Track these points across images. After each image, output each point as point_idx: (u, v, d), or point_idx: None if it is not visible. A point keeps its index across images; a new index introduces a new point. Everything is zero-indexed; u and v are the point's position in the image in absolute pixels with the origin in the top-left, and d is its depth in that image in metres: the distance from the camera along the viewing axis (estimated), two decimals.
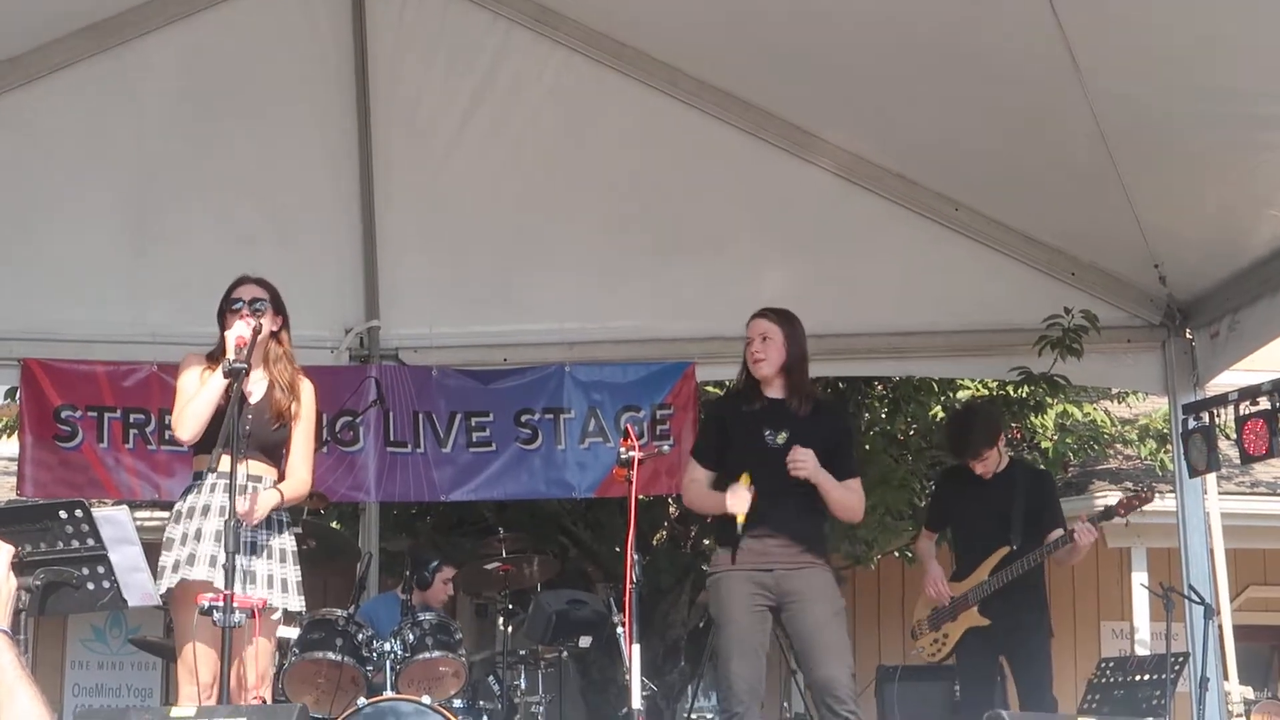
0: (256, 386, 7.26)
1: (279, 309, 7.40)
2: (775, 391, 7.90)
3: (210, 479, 7.16)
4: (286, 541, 7.33)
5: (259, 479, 7.18)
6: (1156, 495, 9.37)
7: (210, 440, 7.04)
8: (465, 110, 10.12)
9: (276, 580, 7.21)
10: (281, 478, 7.33)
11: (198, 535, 7.07)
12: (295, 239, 10.52)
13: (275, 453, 7.31)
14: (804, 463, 7.62)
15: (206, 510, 7.10)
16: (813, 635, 7.55)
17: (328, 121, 10.27)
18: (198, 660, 6.95)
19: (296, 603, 7.32)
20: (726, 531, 7.73)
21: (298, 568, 7.37)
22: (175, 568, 7.06)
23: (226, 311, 7.31)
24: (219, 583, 6.78)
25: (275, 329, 7.36)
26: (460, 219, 10.54)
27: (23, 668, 3.42)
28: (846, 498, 7.89)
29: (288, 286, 9.91)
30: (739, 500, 7.57)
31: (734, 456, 7.79)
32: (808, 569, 7.64)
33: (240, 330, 7.07)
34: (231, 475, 6.79)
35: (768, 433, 7.76)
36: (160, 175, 10.23)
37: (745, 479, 7.60)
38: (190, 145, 10.15)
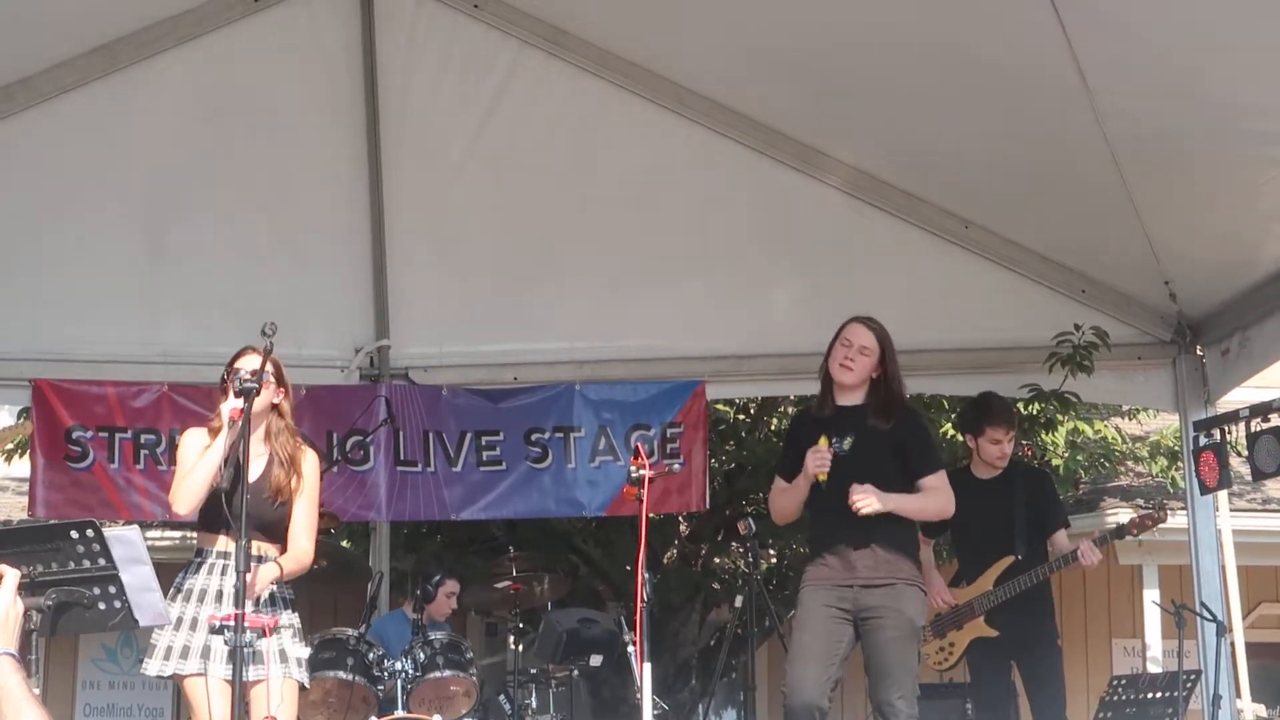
0: (256, 462, 7.19)
1: (280, 380, 7.32)
2: (850, 399, 7.78)
3: (211, 558, 7.18)
4: (291, 618, 7.32)
5: (260, 559, 7.12)
6: (1168, 516, 9.35)
7: (213, 518, 7.06)
8: (475, 130, 10.15)
9: (290, 656, 7.22)
10: (283, 554, 7.30)
11: (193, 625, 7.09)
12: (306, 259, 10.54)
13: (276, 530, 7.26)
14: (866, 501, 7.48)
15: (204, 596, 7.12)
16: (876, 655, 7.50)
17: (338, 141, 10.29)
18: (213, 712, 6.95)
19: (300, 676, 7.29)
20: (816, 527, 7.76)
21: (302, 643, 7.36)
22: (167, 655, 7.07)
23: (226, 381, 7.25)
24: (214, 672, 6.92)
25: (276, 400, 7.31)
26: (470, 238, 10.56)
27: (30, 689, 3.43)
28: (925, 505, 7.76)
29: (298, 306, 9.99)
30: (819, 458, 7.49)
31: (801, 462, 7.70)
32: (888, 586, 7.53)
33: (233, 404, 7.01)
34: (241, 516, 6.80)
35: (834, 439, 7.64)
36: (171, 196, 10.26)
37: (824, 441, 7.52)
38: (201, 166, 10.17)
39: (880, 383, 7.78)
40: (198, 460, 7.12)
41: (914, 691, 7.55)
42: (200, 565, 7.20)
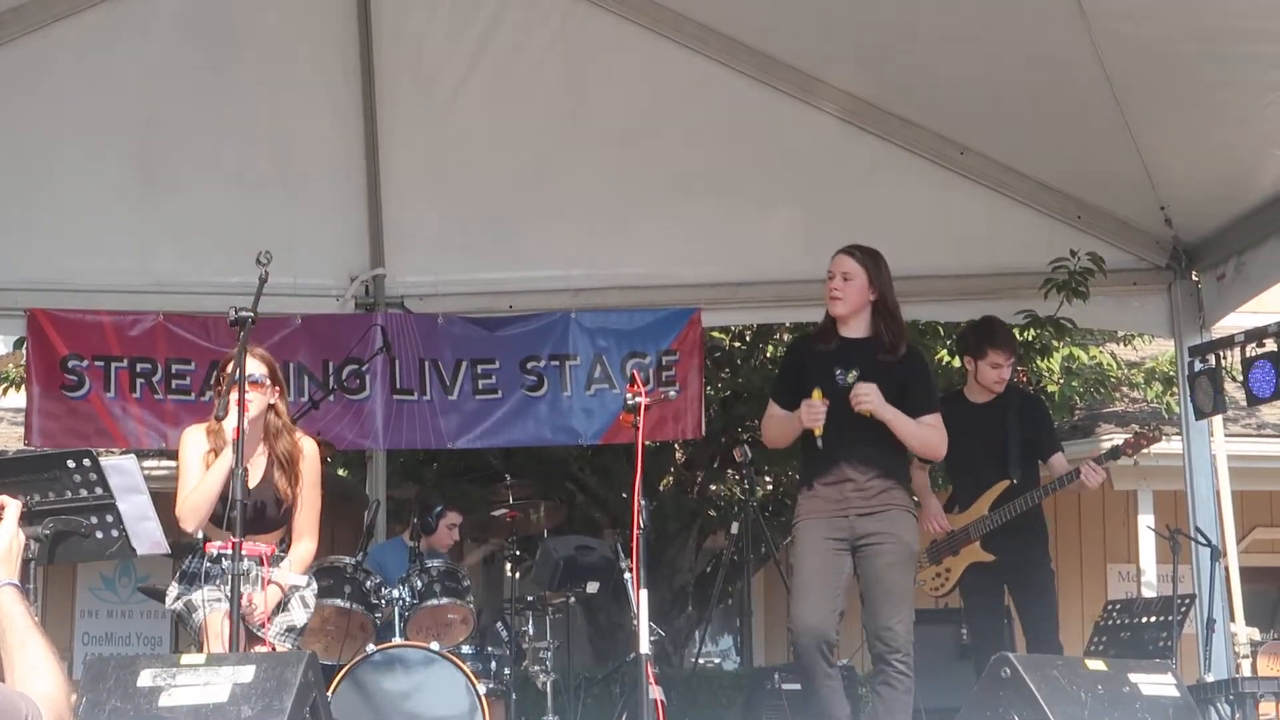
0: (256, 465, 7.17)
1: (276, 379, 7.30)
2: (853, 331, 7.70)
3: (210, 558, 7.11)
4: (299, 615, 7.39)
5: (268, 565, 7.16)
6: (1164, 437, 9.37)
7: (217, 517, 7.03)
8: (470, 56, 10.11)
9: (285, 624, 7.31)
10: (284, 542, 7.34)
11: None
12: (301, 188, 10.53)
13: (277, 525, 7.30)
14: (866, 396, 7.46)
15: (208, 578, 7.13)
16: (874, 581, 7.48)
17: (332, 69, 10.25)
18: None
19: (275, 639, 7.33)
20: (809, 468, 7.66)
21: (307, 610, 7.43)
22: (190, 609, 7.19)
23: (221, 381, 7.20)
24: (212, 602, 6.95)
25: (273, 400, 7.27)
26: (465, 166, 10.53)
27: (33, 618, 3.45)
28: (923, 433, 7.70)
29: (293, 235, 9.98)
30: (812, 413, 7.46)
31: (806, 395, 7.62)
32: (883, 512, 7.50)
33: (233, 423, 6.90)
34: (238, 445, 6.83)
35: (838, 371, 7.58)
36: (165, 124, 10.23)
37: (817, 394, 7.47)
38: (195, 94, 10.14)
39: (879, 308, 7.72)
40: (203, 477, 7.10)
41: (911, 617, 7.57)
42: (204, 557, 7.15)
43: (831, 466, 7.54)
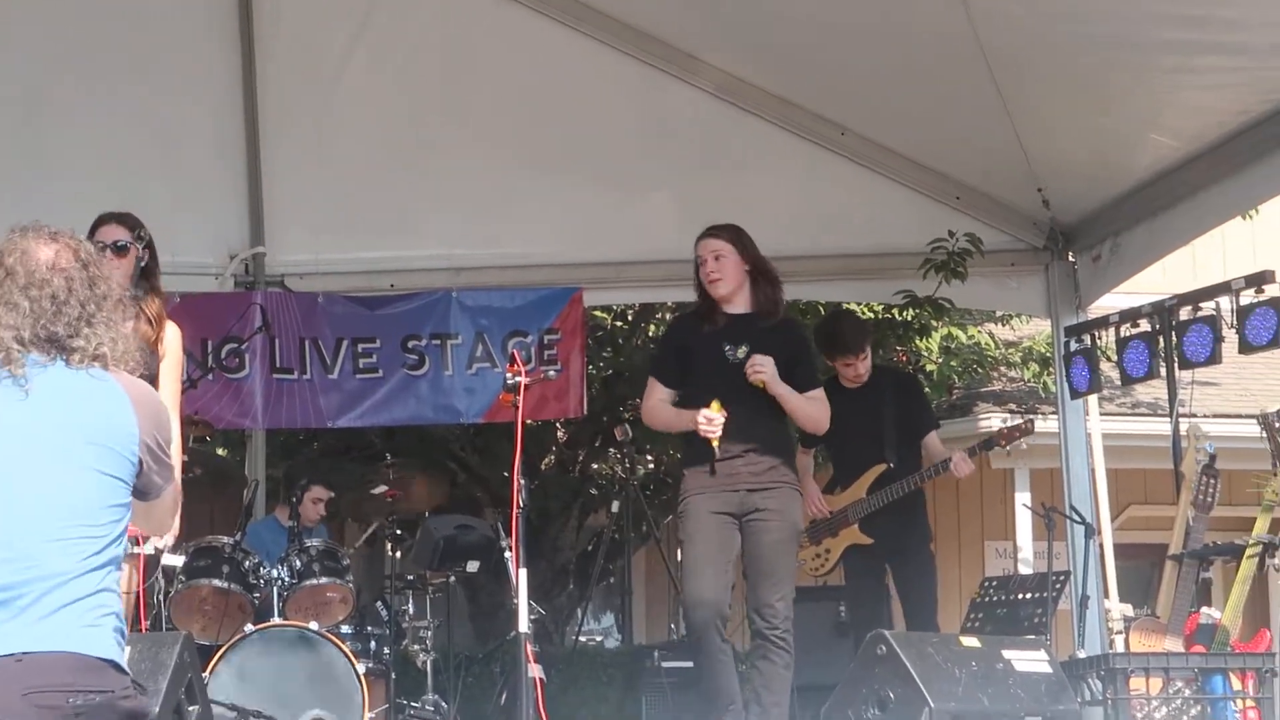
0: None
1: (140, 236, 7.09)
2: (736, 307, 7.75)
3: None
4: None
5: None
6: (1039, 417, 9.47)
7: None
8: (351, 34, 10.08)
9: None
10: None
11: None
12: (179, 165, 10.44)
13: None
14: (761, 368, 7.50)
15: None
16: (758, 559, 7.53)
17: (211, 46, 10.19)
18: None
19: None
20: (697, 454, 7.64)
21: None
22: None
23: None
24: None
25: (143, 262, 7.14)
26: (346, 144, 10.49)
27: None
28: (810, 408, 7.80)
29: (172, 213, 9.86)
30: (711, 426, 7.43)
31: (696, 374, 7.70)
32: (773, 489, 7.56)
33: None
34: None
35: (727, 347, 7.62)
36: (42, 103, 10.11)
37: (716, 405, 7.45)
38: (72, 69, 10.04)
39: (755, 277, 7.79)
40: None
41: (792, 594, 7.63)
42: None
43: (723, 440, 7.53)
